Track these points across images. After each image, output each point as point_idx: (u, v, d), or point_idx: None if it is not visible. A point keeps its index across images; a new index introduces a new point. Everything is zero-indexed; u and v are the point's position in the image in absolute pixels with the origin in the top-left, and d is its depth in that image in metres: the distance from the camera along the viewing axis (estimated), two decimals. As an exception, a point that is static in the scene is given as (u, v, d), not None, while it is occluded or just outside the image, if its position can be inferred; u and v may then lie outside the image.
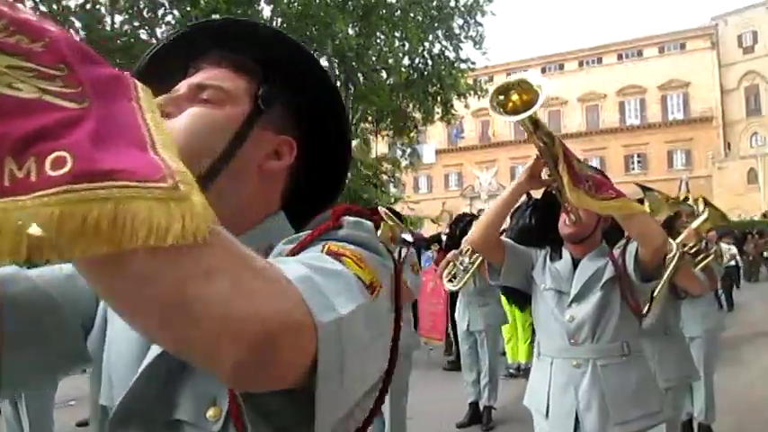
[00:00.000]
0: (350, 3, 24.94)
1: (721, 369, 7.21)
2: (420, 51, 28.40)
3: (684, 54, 49.83)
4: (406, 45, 27.92)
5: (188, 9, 21.35)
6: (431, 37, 28.50)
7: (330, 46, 23.05)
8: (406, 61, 29.07)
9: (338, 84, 26.49)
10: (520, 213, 2.97)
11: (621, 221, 2.28)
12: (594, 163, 51.97)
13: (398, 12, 26.50)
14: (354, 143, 28.75)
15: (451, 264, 5.26)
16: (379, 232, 2.85)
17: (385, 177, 29.26)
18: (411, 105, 29.58)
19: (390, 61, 26.59)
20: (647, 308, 2.71)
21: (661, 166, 49.39)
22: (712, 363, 5.01)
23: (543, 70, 54.58)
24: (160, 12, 21.69)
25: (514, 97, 1.97)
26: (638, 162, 50.91)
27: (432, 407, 5.97)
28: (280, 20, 23.46)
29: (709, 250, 4.20)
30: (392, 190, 30.39)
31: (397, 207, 28.43)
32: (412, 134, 30.87)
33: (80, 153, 0.48)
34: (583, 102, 52.57)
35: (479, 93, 31.45)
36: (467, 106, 31.15)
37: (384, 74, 26.87)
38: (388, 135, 30.85)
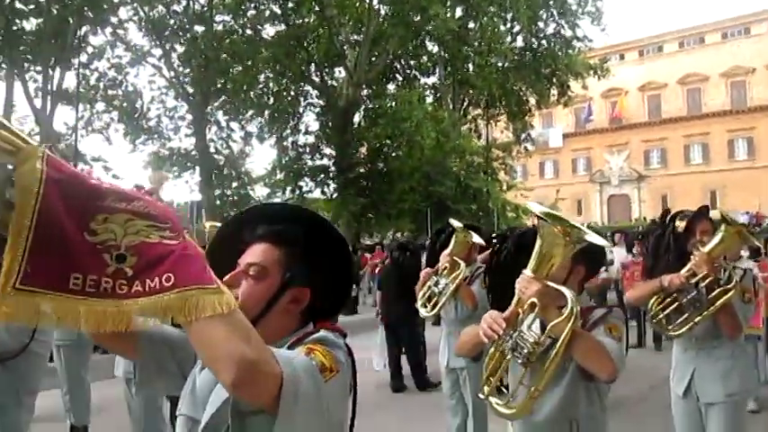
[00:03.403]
0: (453, -15, 23.91)
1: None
2: (533, 31, 26.79)
3: None
4: (516, 26, 26.46)
5: (288, 4, 21.43)
6: (544, 15, 26.81)
7: (428, 31, 22.30)
8: (519, 42, 27.67)
9: (441, 69, 25.66)
10: None
11: None
12: (742, 145, 47.32)
13: (507, -9, 25.10)
14: (464, 128, 27.80)
15: (427, 285, 4.39)
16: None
17: (496, 164, 27.89)
18: (524, 88, 28.04)
19: (501, 44, 25.22)
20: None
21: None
22: None
23: (681, 45, 50.37)
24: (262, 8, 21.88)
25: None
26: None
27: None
28: (383, 7, 23.05)
29: (730, 282, 3.08)
30: (504, 177, 28.93)
31: (510, 195, 27.28)
32: (526, 118, 29.28)
33: (179, 273, 1.10)
34: (727, 77, 47.75)
35: (600, 72, 29.37)
36: (584, 87, 29.20)
37: (492, 57, 25.50)
38: (500, 120, 29.44)
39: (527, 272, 2.05)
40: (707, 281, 3.05)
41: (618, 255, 11.48)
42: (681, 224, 3.29)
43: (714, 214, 3.21)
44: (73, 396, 5.48)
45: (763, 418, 6.34)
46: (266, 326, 1.39)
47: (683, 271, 3.10)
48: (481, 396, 2.13)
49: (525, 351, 1.95)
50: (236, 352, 1.10)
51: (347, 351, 1.43)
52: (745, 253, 6.97)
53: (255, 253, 1.49)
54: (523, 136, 30.19)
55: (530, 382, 2.00)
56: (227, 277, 1.43)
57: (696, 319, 3.08)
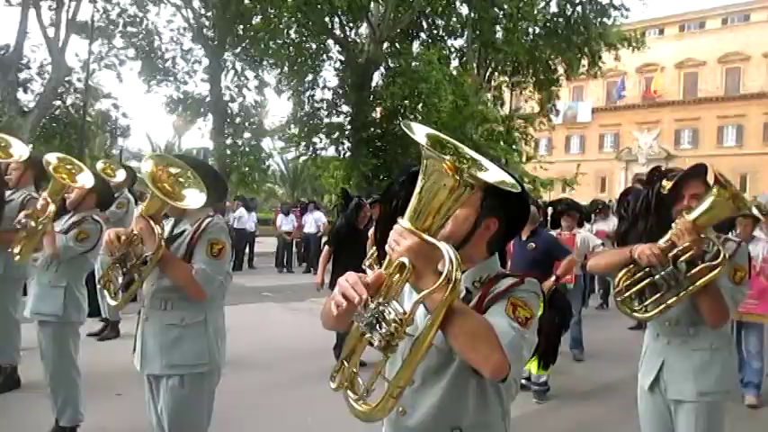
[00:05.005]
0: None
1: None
2: (569, -5, 25.62)
3: None
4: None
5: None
6: (581, -21, 25.58)
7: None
8: (552, 8, 26.52)
9: (469, 31, 24.68)
10: None
11: None
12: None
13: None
14: (488, 95, 26.88)
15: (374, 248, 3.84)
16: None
17: (517, 134, 27.01)
18: (553, 57, 26.95)
19: (533, 7, 24.13)
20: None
21: None
22: None
23: (725, 21, 48.31)
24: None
25: None
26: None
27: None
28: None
29: (717, 258, 2.49)
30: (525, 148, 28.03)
31: (529, 167, 26.42)
32: (553, 88, 28.23)
33: None
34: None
35: (635, 44, 28.12)
36: (617, 59, 28.01)
37: (523, 22, 24.42)
38: (526, 89, 28.45)
39: (403, 221, 1.43)
40: (688, 254, 2.48)
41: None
42: (668, 184, 2.68)
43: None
44: None
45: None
46: None
47: (662, 241, 2.52)
48: (332, 385, 1.56)
49: (384, 330, 1.35)
50: None
51: None
52: (759, 233, 6.17)
53: None
54: (548, 106, 29.14)
55: (391, 375, 1.42)
56: None
57: (670, 301, 2.51)
